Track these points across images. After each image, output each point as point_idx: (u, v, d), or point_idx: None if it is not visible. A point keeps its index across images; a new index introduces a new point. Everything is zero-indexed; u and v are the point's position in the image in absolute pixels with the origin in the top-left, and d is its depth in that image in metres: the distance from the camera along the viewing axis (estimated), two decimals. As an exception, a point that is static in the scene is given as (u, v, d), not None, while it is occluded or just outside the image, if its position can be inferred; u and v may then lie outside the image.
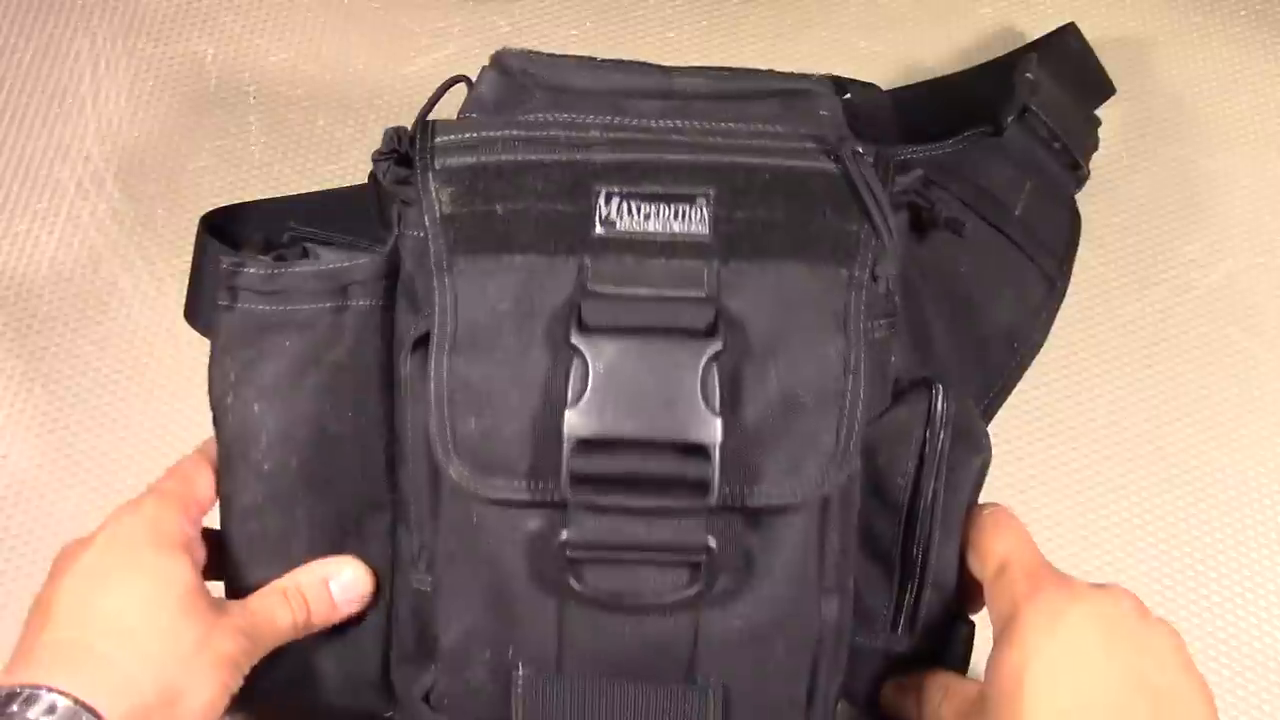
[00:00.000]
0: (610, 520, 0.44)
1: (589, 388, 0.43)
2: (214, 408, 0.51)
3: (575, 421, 0.43)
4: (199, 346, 0.62)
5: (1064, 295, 0.59)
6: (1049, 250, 0.59)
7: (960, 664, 0.50)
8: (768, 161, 0.46)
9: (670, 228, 0.45)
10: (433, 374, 0.45)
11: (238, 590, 0.50)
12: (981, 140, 0.59)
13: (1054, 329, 0.64)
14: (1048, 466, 0.63)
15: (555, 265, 0.45)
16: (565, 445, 0.43)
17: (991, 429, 0.54)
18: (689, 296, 0.44)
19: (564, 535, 0.44)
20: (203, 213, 0.59)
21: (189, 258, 0.58)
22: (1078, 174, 0.62)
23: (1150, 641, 0.44)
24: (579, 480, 0.43)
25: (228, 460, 0.50)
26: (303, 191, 0.67)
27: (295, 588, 0.48)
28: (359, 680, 0.52)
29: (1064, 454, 0.63)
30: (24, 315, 0.65)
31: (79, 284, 0.66)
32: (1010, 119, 0.59)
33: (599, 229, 0.45)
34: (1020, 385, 0.62)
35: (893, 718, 0.51)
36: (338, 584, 0.49)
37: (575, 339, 0.43)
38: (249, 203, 0.63)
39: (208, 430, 0.62)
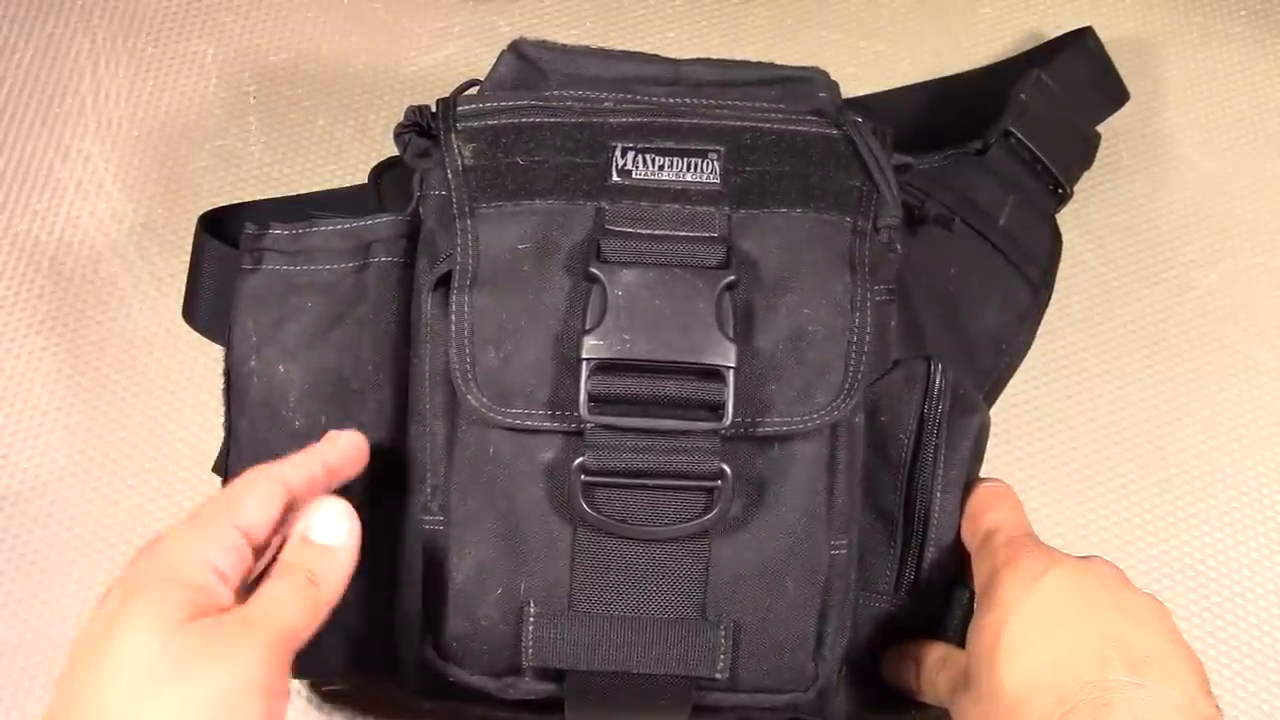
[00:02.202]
0: (626, 444, 0.45)
1: (607, 313, 0.45)
2: (233, 372, 0.52)
3: (593, 344, 0.45)
4: (199, 346, 0.62)
5: (1048, 302, 0.61)
6: (1032, 260, 0.60)
7: (959, 636, 0.51)
8: (773, 126, 0.49)
9: (683, 177, 0.48)
10: (454, 309, 0.46)
11: None
12: (965, 157, 0.61)
13: (1055, 329, 0.64)
14: (1048, 466, 0.63)
15: (573, 209, 0.47)
16: (584, 368, 0.44)
17: (992, 429, 0.54)
18: (702, 236, 0.47)
19: (580, 459, 0.44)
20: (202, 212, 0.59)
21: (189, 258, 0.58)
22: (1059, 194, 0.63)
23: (1133, 607, 0.44)
24: (597, 401, 0.45)
25: (255, 423, 0.51)
26: (303, 191, 0.67)
27: (279, 566, 0.42)
28: (361, 650, 0.51)
29: (1064, 454, 0.63)
30: (24, 315, 0.65)
31: (79, 284, 0.66)
32: (993, 140, 0.61)
33: (615, 177, 0.48)
34: (1021, 385, 0.62)
35: (893, 685, 0.51)
36: (311, 522, 0.43)
37: (594, 268, 0.45)
38: (248, 203, 0.63)
39: (207, 430, 0.62)
